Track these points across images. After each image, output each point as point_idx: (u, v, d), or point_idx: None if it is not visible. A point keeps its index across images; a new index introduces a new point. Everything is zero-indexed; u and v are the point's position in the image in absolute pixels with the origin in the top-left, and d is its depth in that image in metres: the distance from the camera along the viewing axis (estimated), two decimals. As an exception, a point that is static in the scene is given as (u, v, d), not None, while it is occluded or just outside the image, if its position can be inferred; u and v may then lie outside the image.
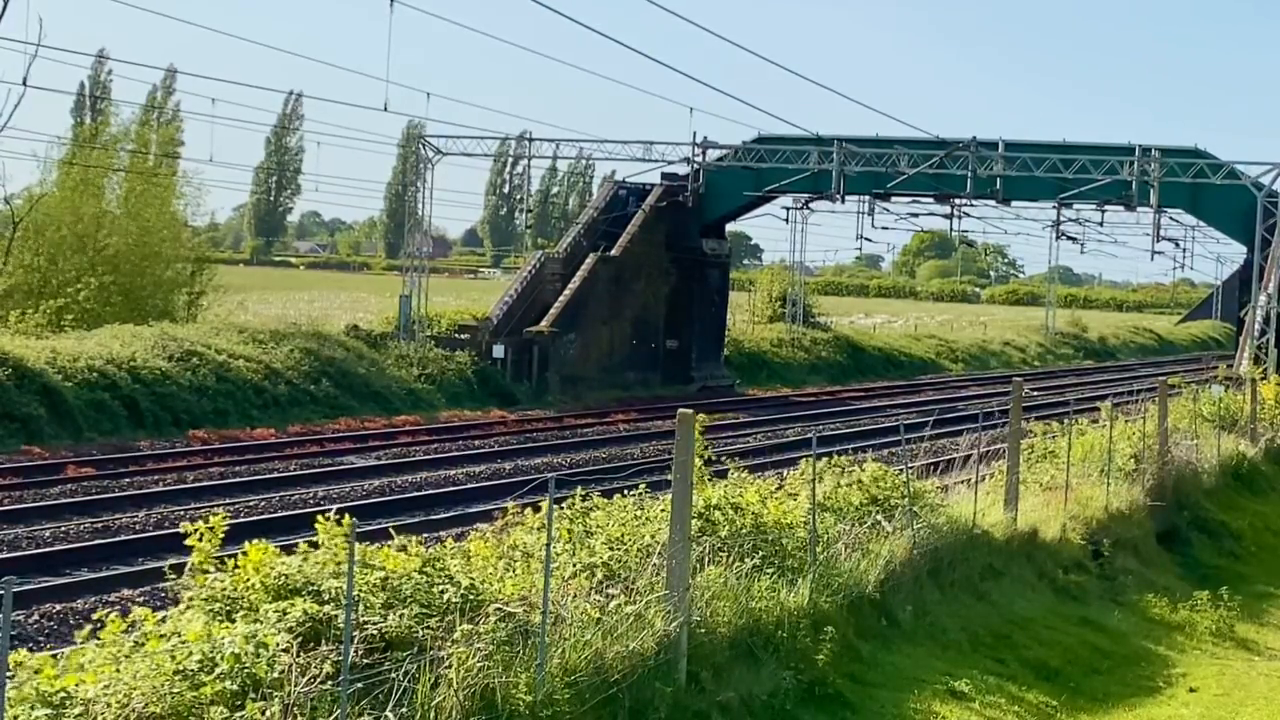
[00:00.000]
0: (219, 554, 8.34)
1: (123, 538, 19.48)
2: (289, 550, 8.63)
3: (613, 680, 8.85)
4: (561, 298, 43.29)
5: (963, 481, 17.06)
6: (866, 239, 56.18)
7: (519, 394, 40.49)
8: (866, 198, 49.28)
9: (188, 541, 8.38)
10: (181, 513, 21.25)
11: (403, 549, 8.78)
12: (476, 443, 31.97)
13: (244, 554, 8.27)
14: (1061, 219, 54.72)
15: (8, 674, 6.21)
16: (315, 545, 8.63)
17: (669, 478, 10.00)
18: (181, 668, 7.07)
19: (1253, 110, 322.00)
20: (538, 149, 52.41)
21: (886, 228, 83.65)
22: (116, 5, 33.50)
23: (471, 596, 8.53)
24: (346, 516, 8.55)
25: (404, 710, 7.49)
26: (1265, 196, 42.54)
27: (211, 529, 8.35)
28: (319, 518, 8.80)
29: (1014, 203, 48.89)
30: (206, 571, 8.23)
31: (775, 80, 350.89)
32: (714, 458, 13.10)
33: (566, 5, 17.66)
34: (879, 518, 13.62)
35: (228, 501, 22.50)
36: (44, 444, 26.87)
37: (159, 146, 47.51)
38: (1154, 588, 17.37)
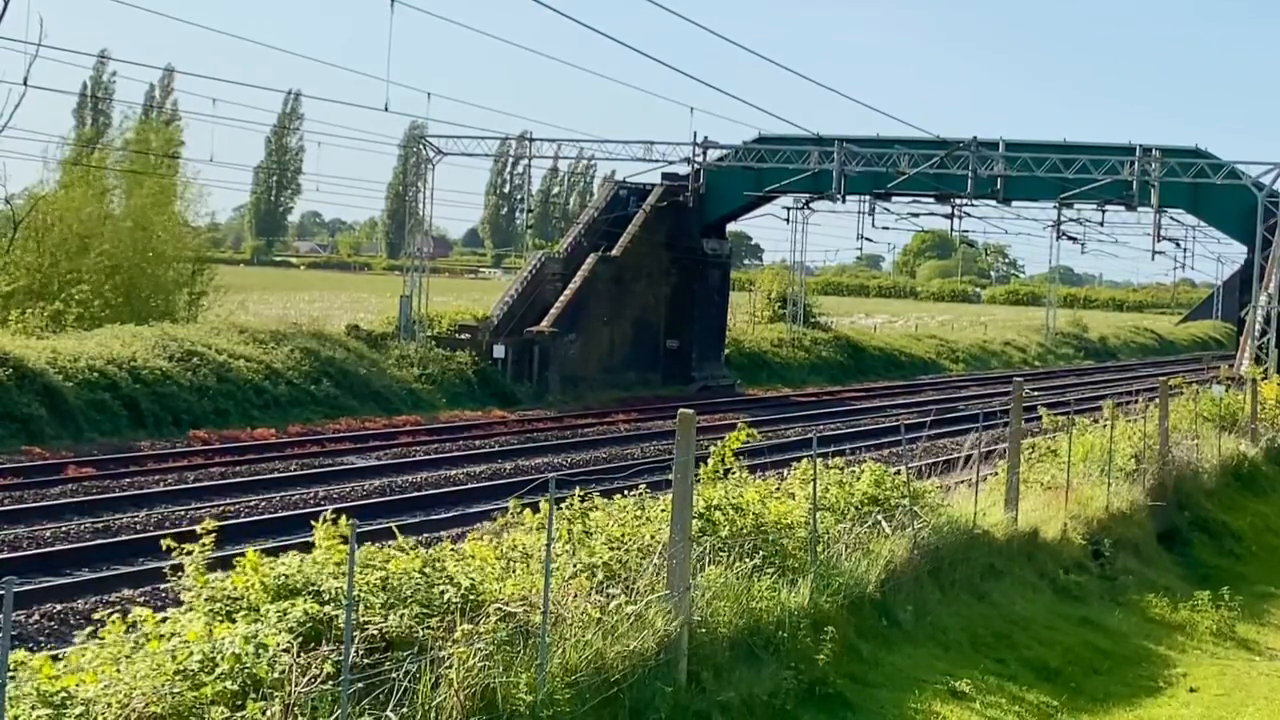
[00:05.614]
0: (221, 554, 8.33)
1: (123, 538, 19.47)
2: (287, 550, 8.62)
3: (613, 680, 8.84)
4: (562, 298, 43.27)
5: (963, 481, 17.04)
6: (867, 239, 56.14)
7: (519, 394, 40.49)
8: (867, 198, 49.22)
9: (173, 554, 8.40)
10: (182, 513, 21.28)
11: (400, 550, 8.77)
12: (477, 443, 31.97)
13: (244, 556, 8.26)
14: (1062, 219, 54.72)
15: (8, 674, 6.21)
16: (312, 548, 8.63)
17: (669, 478, 9.99)
18: (182, 668, 7.07)
19: (1253, 110, 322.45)
20: (538, 149, 52.44)
21: (887, 228, 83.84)
22: (116, 5, 33.53)
23: (472, 597, 8.53)
24: (343, 518, 8.54)
25: (404, 710, 7.48)
26: (1266, 196, 42.51)
27: (202, 543, 8.34)
28: (316, 520, 8.79)
29: (1014, 203, 48.83)
30: (205, 573, 8.21)
31: (776, 80, 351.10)
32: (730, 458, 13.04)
33: (566, 5, 17.62)
34: (879, 518, 13.60)
35: (228, 501, 22.53)
36: (44, 444, 26.86)
37: (160, 147, 47.44)
38: (1154, 588, 17.36)
